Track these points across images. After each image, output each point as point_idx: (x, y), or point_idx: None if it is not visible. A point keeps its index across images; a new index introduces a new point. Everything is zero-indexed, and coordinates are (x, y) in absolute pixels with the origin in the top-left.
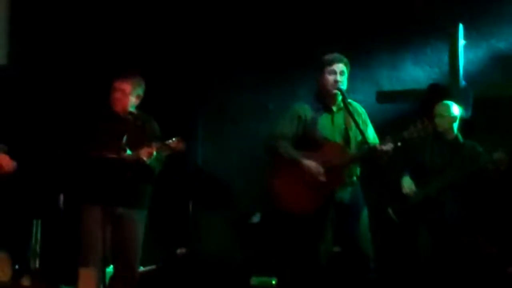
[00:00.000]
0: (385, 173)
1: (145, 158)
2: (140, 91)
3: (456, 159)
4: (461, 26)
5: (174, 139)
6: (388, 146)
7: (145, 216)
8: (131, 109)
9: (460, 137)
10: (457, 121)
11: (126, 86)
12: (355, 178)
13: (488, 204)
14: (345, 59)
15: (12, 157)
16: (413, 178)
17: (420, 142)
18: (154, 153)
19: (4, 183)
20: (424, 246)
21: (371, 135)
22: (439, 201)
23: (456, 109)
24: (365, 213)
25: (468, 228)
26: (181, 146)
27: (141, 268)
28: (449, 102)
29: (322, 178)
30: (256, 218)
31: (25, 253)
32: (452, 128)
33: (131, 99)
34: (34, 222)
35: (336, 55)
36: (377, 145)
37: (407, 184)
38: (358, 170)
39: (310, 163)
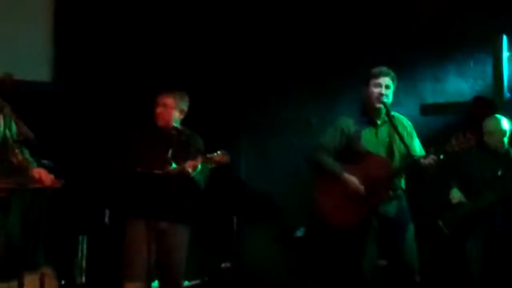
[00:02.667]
0: (432, 186)
1: (190, 171)
2: (183, 105)
3: (509, 173)
4: (504, 38)
5: (218, 152)
6: (430, 159)
7: (188, 231)
8: (175, 124)
9: (511, 151)
10: (508, 135)
11: (169, 101)
12: (400, 191)
13: None
14: (392, 74)
15: (58, 173)
16: (461, 190)
17: (468, 155)
18: (199, 166)
19: (51, 199)
20: (474, 259)
21: (417, 148)
22: (489, 214)
23: (505, 123)
24: (410, 226)
25: None
26: (225, 159)
27: (186, 283)
28: (499, 116)
29: (362, 193)
30: (300, 232)
31: (71, 269)
32: (503, 142)
33: (174, 114)
34: (80, 237)
35: (383, 68)
36: (420, 158)
37: (457, 195)
38: (403, 183)
39: (351, 178)
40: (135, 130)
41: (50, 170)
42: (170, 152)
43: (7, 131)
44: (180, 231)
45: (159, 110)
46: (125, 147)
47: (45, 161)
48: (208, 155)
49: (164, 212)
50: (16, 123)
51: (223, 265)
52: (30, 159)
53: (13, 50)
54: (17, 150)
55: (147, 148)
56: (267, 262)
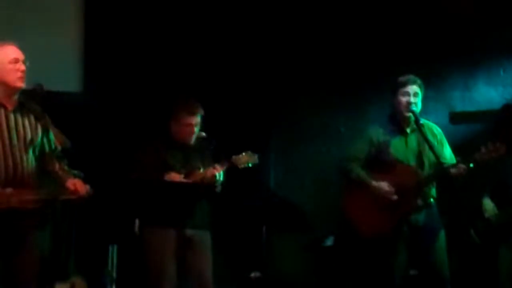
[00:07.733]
0: (464, 194)
1: (217, 174)
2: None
3: None
4: None
5: (243, 153)
6: (460, 169)
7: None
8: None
9: None
10: None
11: (196, 120)
12: (432, 199)
13: None
14: (419, 81)
15: (88, 183)
16: (494, 198)
17: (501, 163)
18: (221, 170)
19: (81, 209)
20: (506, 268)
21: (448, 155)
22: None
23: None
24: (442, 235)
25: None
26: (253, 158)
27: None
28: None
29: (394, 198)
30: (329, 241)
31: (101, 278)
32: None
33: (197, 129)
34: (110, 247)
35: (410, 76)
36: (449, 167)
37: (489, 207)
38: (434, 192)
39: (381, 184)
40: (157, 141)
41: (78, 178)
42: (195, 161)
43: (45, 140)
44: (205, 237)
45: (188, 129)
46: (153, 158)
47: (75, 171)
48: (234, 157)
49: (191, 219)
50: (54, 133)
51: (252, 274)
52: (68, 169)
53: (43, 60)
54: (54, 160)
55: (172, 160)
56: (296, 271)
